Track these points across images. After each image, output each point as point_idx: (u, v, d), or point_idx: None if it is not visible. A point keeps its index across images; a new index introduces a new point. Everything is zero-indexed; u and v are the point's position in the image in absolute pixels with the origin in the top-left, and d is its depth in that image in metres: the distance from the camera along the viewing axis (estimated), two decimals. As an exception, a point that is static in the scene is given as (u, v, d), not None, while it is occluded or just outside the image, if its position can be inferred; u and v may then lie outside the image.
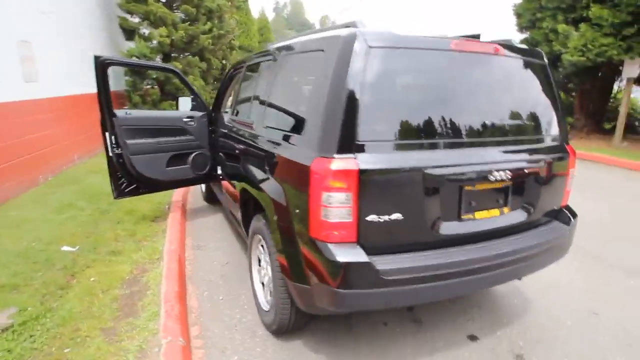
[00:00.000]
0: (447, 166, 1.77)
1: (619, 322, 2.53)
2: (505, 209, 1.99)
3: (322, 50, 1.82)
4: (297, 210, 1.78)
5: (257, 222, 2.34)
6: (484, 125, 1.89)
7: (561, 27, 7.84)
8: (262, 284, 2.49)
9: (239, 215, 2.80)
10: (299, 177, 1.75)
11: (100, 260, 3.15)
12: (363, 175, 1.61)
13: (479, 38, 2.08)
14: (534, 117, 2.08)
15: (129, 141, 3.51)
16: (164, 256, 3.14)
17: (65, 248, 3.31)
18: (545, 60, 2.19)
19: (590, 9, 7.41)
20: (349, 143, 1.62)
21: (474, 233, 1.89)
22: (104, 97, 3.37)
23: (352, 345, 2.27)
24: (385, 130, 1.70)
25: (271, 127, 2.20)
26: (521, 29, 9.32)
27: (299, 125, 1.87)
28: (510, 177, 1.89)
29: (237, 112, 3.08)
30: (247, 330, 2.40)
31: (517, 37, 9.72)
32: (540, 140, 2.11)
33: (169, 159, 3.79)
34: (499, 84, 1.97)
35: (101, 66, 3.30)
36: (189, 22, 7.68)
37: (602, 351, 2.26)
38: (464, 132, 1.84)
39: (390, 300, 1.70)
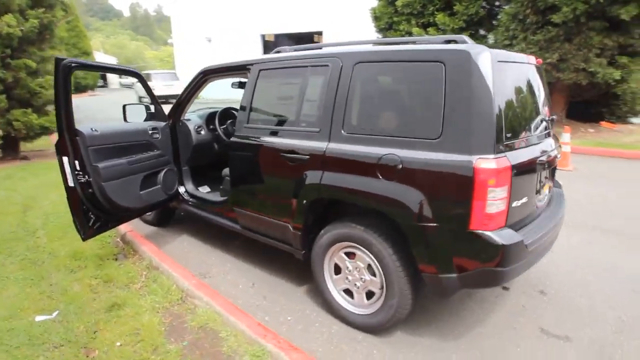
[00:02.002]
0: (542, 155, 2.21)
1: (570, 255, 3.50)
2: (549, 184, 2.57)
3: (441, 62, 1.97)
4: (448, 209, 1.93)
5: (349, 230, 2.32)
6: (543, 119, 2.40)
7: (416, 30, 9.44)
8: (347, 291, 2.49)
9: (289, 230, 2.64)
10: (453, 179, 1.89)
11: (105, 321, 2.50)
12: (513, 170, 1.89)
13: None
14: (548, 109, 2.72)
15: (100, 165, 2.79)
16: (193, 293, 2.70)
17: (41, 318, 2.48)
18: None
19: (436, 16, 9.15)
20: (500, 144, 1.87)
21: (542, 204, 2.41)
22: (65, 110, 2.59)
23: (442, 319, 2.53)
24: (512, 130, 2.00)
25: (370, 135, 2.20)
26: (379, 30, 10.72)
27: (429, 130, 1.98)
28: (556, 159, 2.46)
29: (263, 121, 2.82)
30: (347, 339, 2.38)
31: (374, 37, 11.17)
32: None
33: (141, 180, 3.17)
34: (538, 87, 2.50)
35: (64, 71, 2.52)
36: (43, 10, 5.98)
37: (582, 275, 3.14)
38: (541, 127, 2.31)
39: (527, 266, 2.06)
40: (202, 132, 3.71)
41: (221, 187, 3.55)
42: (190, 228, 4.04)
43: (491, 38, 9.54)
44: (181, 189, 3.67)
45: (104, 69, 3.13)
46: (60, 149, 2.68)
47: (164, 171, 3.39)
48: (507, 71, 2.04)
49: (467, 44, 2.02)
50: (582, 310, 2.68)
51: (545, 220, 2.31)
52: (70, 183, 2.73)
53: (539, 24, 7.85)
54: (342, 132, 2.31)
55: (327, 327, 2.50)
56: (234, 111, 4.04)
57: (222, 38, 22.30)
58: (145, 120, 3.49)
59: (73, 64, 2.60)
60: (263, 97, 2.85)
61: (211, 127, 3.80)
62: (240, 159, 2.90)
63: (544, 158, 2.26)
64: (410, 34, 9.68)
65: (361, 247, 2.31)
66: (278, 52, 2.96)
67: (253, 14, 20.89)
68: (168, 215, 4.09)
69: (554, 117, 2.69)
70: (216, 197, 3.54)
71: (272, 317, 2.59)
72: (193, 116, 3.80)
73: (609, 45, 7.32)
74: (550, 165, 2.38)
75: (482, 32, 9.50)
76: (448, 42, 2.14)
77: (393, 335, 2.40)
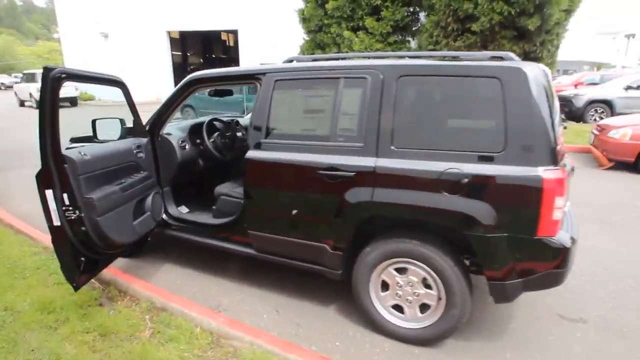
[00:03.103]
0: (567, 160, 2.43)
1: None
2: None
3: (497, 78, 2.04)
4: (516, 219, 2.02)
5: (404, 245, 2.29)
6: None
7: (347, 33, 9.68)
8: (397, 307, 2.45)
9: (326, 251, 2.50)
10: (521, 190, 1.98)
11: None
12: (568, 177, 2.06)
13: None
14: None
15: (95, 196, 2.30)
16: (228, 333, 2.41)
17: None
18: None
19: (365, 20, 9.51)
20: (556, 155, 2.01)
21: None
22: (51, 132, 2.08)
23: (476, 321, 2.64)
24: (557, 140, 2.16)
25: (424, 150, 2.17)
26: (308, 32, 10.73)
27: (491, 144, 2.03)
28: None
29: (287, 136, 2.60)
30: (407, 355, 2.35)
31: (302, 39, 11.17)
32: None
33: (133, 209, 2.71)
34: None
35: (54, 83, 2.02)
36: None
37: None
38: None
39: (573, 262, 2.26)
40: (187, 148, 3.30)
41: (214, 207, 3.22)
42: (168, 256, 3.57)
43: (414, 43, 10.25)
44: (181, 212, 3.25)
45: (91, 79, 2.57)
46: (44, 181, 2.14)
47: (151, 195, 2.94)
48: (549, 84, 2.21)
49: (518, 61, 2.13)
50: (577, 292, 3.04)
51: (570, 217, 2.56)
52: (56, 222, 2.20)
53: (459, 31, 8.65)
54: (392, 147, 2.26)
55: (379, 346, 2.44)
56: (216, 122, 3.68)
57: (121, 34, 20.18)
58: (121, 136, 2.97)
59: (63, 75, 2.09)
60: (284, 110, 2.64)
61: (197, 141, 3.40)
62: (261, 177, 2.65)
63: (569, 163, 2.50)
64: (341, 36, 9.90)
65: (416, 262, 2.30)
66: (290, 61, 2.76)
67: (157, 8, 19.25)
68: (140, 244, 3.56)
69: (565, 125, 2.99)
70: (209, 219, 3.20)
71: (319, 346, 2.43)
72: (173, 130, 3.36)
73: (517, 52, 8.39)
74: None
75: (407, 37, 10.14)
76: (494, 58, 2.22)
77: (445, 345, 2.44)
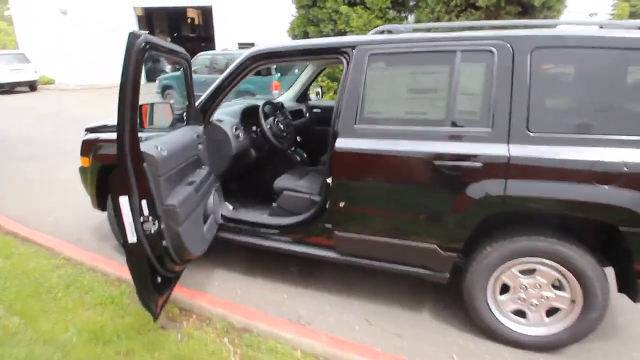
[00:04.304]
0: None
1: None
2: None
3: None
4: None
5: (536, 243, 2.02)
6: None
7: (344, 8, 9.15)
8: (519, 312, 2.21)
9: (437, 252, 2.20)
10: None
11: None
12: None
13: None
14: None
15: (176, 202, 1.85)
16: (338, 355, 2.06)
17: None
18: None
19: (363, -5, 9.03)
20: None
21: None
22: (130, 118, 1.61)
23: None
24: None
25: (568, 134, 1.89)
26: (300, 6, 10.09)
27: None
28: None
29: (388, 121, 2.23)
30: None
31: (290, 15, 10.53)
32: None
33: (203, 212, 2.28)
34: None
35: (138, 55, 1.53)
36: None
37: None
38: None
39: None
40: (240, 136, 2.84)
41: (275, 204, 2.83)
42: (214, 261, 3.07)
43: (411, 19, 9.90)
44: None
45: (168, 52, 2.03)
46: (119, 186, 1.65)
47: (212, 194, 2.49)
48: None
49: None
50: None
51: None
52: (132, 237, 1.73)
53: (462, 6, 8.37)
54: (528, 132, 1.95)
55: (499, 355, 2.20)
56: (268, 105, 3.20)
57: (82, 10, 18.45)
58: (172, 124, 2.47)
59: (148, 45, 1.60)
60: (382, 90, 2.26)
61: (253, 128, 2.93)
62: (354, 170, 2.28)
63: None
64: (337, 12, 9.38)
65: (549, 262, 2.03)
66: (387, 32, 2.37)
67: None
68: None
69: None
70: (267, 217, 2.80)
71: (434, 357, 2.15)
72: (223, 115, 2.87)
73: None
74: None
75: (404, 13, 9.76)
76: (642, 28, 1.94)
77: (566, 349, 2.22)
